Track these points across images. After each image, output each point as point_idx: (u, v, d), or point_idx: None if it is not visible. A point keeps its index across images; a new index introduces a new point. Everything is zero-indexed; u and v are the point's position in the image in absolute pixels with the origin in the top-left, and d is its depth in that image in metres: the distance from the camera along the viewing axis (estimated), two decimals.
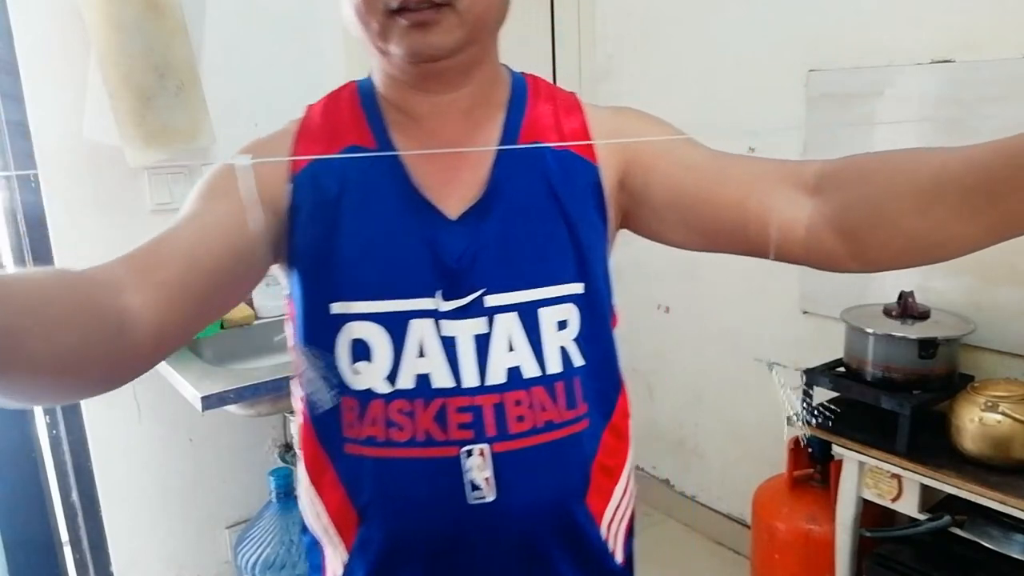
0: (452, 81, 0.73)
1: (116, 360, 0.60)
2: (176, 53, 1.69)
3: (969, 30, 1.62)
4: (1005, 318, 1.64)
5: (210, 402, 1.48)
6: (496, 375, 0.74)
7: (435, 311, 0.73)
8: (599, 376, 0.80)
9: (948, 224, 0.59)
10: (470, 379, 0.73)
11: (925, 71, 1.70)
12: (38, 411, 1.75)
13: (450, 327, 0.73)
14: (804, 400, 1.75)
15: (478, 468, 0.73)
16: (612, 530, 0.83)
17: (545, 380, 0.75)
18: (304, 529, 0.85)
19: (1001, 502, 1.38)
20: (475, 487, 0.73)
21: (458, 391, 0.73)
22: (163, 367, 1.65)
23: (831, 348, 1.83)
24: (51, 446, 1.78)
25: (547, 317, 0.75)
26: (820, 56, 1.91)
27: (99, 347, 0.57)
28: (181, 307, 0.65)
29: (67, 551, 1.84)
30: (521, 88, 0.80)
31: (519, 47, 2.35)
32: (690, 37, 2.23)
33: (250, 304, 1.93)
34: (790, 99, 1.98)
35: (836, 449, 1.67)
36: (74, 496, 1.80)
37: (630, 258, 2.59)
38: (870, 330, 1.62)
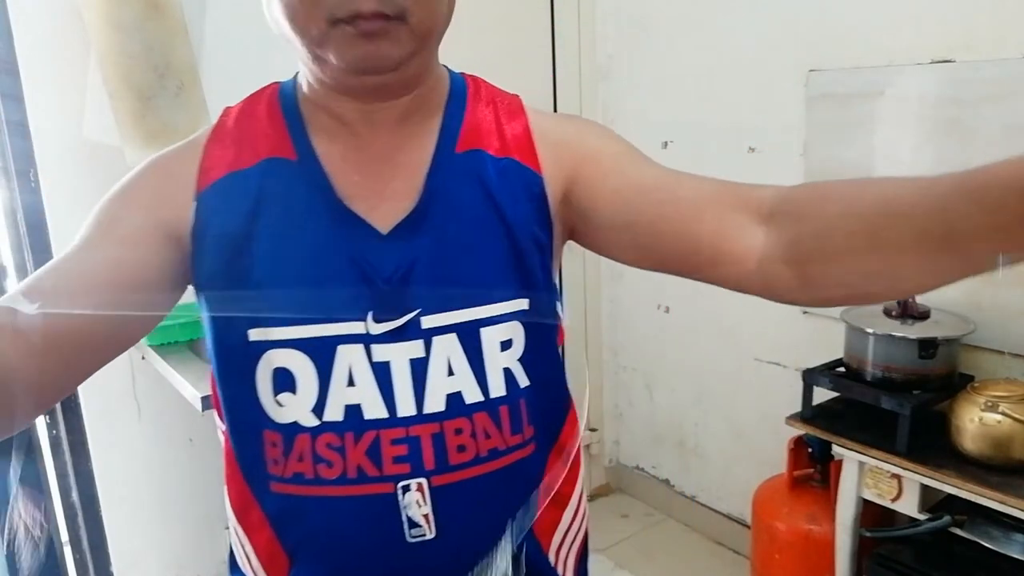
0: (392, 92, 0.68)
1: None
2: (176, 53, 1.69)
3: (969, 30, 1.62)
4: (1005, 318, 1.64)
5: (210, 402, 1.48)
6: (434, 402, 0.68)
7: (365, 335, 0.67)
8: (545, 397, 0.75)
9: (902, 263, 0.55)
10: (405, 408, 0.67)
11: (925, 71, 1.70)
12: None
13: (383, 352, 0.67)
14: None
15: (416, 504, 0.67)
16: (561, 556, 0.79)
17: (488, 405, 0.70)
18: (233, 567, 0.79)
19: (1001, 502, 1.38)
20: (413, 524, 0.68)
21: (392, 421, 0.67)
22: (163, 367, 1.65)
23: (831, 348, 1.83)
24: (51, 446, 1.77)
25: (490, 337, 0.69)
26: (820, 56, 1.91)
27: None
28: (61, 358, 0.61)
29: (67, 551, 1.84)
30: (460, 91, 0.75)
31: (519, 47, 2.35)
32: (690, 37, 2.23)
33: None
34: (790, 99, 1.98)
35: (836, 449, 1.67)
36: (74, 496, 1.80)
37: None
38: (870, 330, 1.62)
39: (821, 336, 2.01)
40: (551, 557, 0.77)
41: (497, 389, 0.70)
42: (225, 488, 0.76)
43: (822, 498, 1.80)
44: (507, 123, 0.74)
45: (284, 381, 0.68)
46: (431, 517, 0.68)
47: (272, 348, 0.67)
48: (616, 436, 2.79)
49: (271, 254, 0.67)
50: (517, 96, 0.77)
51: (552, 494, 0.76)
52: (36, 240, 1.66)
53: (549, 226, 0.73)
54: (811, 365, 1.80)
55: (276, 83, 0.76)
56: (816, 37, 1.92)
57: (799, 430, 1.75)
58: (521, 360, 0.72)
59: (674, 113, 2.30)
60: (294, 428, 0.68)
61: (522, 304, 0.71)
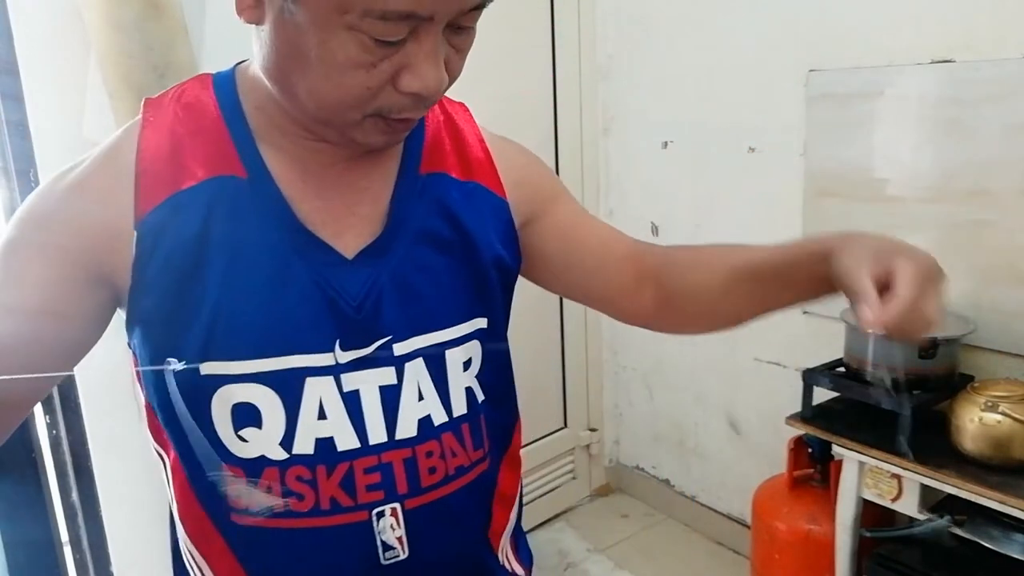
0: None
1: None
2: (176, 53, 1.69)
3: (969, 30, 1.62)
4: (1005, 318, 1.64)
5: None
6: (406, 428, 0.67)
7: (335, 366, 0.64)
8: (500, 409, 0.77)
9: (741, 305, 0.76)
10: (376, 435, 0.66)
11: (925, 71, 1.70)
12: (38, 411, 1.75)
13: (352, 380, 0.65)
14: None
15: (391, 529, 0.67)
16: (505, 552, 0.81)
17: (452, 425, 0.70)
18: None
19: (1001, 502, 1.38)
20: (388, 547, 0.67)
21: (364, 451, 0.65)
22: None
23: (831, 348, 1.83)
24: (51, 446, 1.78)
25: (453, 358, 0.70)
26: (820, 56, 1.91)
27: None
28: None
29: (67, 551, 1.84)
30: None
31: (519, 47, 2.35)
32: (690, 37, 2.23)
33: None
34: (790, 99, 1.98)
35: (836, 449, 1.67)
36: (74, 496, 1.80)
37: None
38: (870, 330, 1.62)
39: (821, 336, 2.01)
40: (500, 556, 0.79)
41: (459, 408, 0.71)
42: (175, 514, 0.71)
43: (822, 498, 1.80)
44: (465, 143, 0.74)
45: (247, 416, 0.63)
46: (404, 539, 0.68)
47: (230, 383, 0.62)
48: (616, 436, 2.79)
49: (224, 282, 0.61)
50: (462, 104, 0.79)
51: (502, 501, 0.78)
52: None
53: (516, 248, 0.77)
54: (811, 365, 1.80)
55: (207, 75, 0.68)
56: (816, 37, 1.92)
57: (799, 430, 1.75)
58: (478, 377, 0.73)
59: (674, 113, 2.30)
60: (261, 462, 0.65)
61: (481, 323, 0.72)
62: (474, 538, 0.75)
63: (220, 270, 0.61)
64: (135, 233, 0.61)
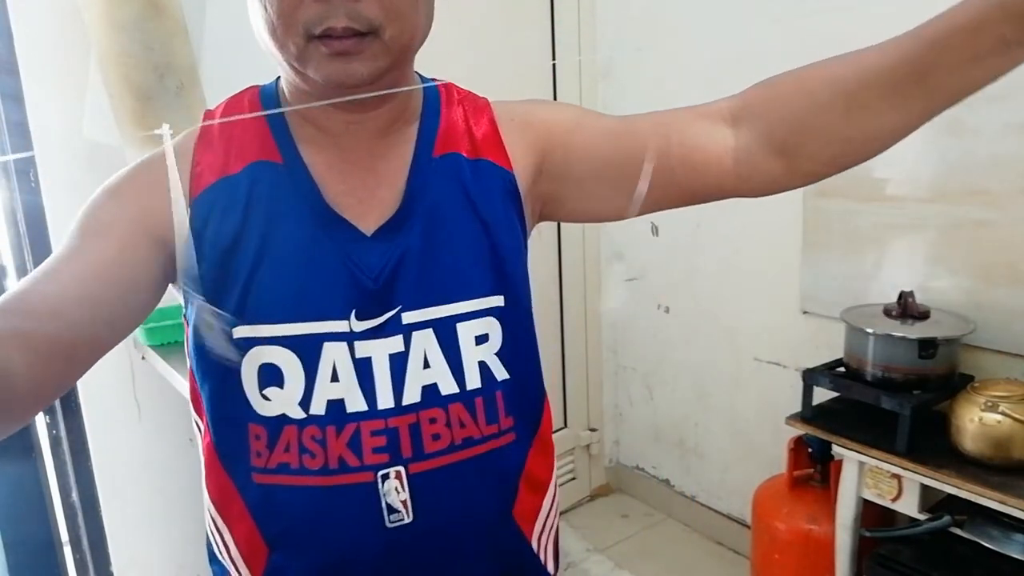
0: (370, 105, 0.70)
1: None
2: (176, 53, 1.69)
3: None
4: (1005, 318, 1.64)
5: None
6: (411, 394, 0.71)
7: (349, 333, 0.70)
8: (523, 389, 0.78)
9: (879, 119, 0.63)
10: (385, 400, 0.71)
11: None
12: None
13: (365, 348, 0.70)
14: None
15: (395, 492, 0.71)
16: (543, 542, 0.82)
17: (464, 396, 0.73)
18: (212, 558, 0.81)
19: (1001, 502, 1.38)
20: (393, 510, 0.71)
21: (372, 414, 0.70)
22: (163, 367, 1.65)
23: (831, 348, 1.83)
24: (51, 446, 1.78)
25: (465, 332, 0.73)
26: (820, 56, 1.91)
27: None
28: (51, 363, 0.61)
29: (67, 551, 1.84)
30: (434, 98, 0.78)
31: (519, 47, 2.35)
32: (690, 37, 2.23)
33: None
34: None
35: (836, 449, 1.67)
36: (74, 496, 1.80)
37: (630, 258, 2.59)
38: (870, 330, 1.62)
39: (821, 336, 2.01)
40: (534, 544, 0.80)
41: (473, 381, 0.74)
42: (203, 482, 0.77)
43: (822, 498, 1.80)
44: (475, 123, 0.77)
45: (271, 376, 0.70)
46: (409, 503, 0.71)
47: (259, 345, 0.69)
48: (616, 436, 2.79)
49: (260, 254, 0.69)
50: (485, 99, 0.81)
51: (531, 483, 0.79)
52: (36, 240, 1.67)
53: (522, 220, 0.77)
54: (811, 365, 1.80)
55: (256, 86, 0.77)
56: (816, 37, 1.92)
57: (799, 430, 1.75)
58: (499, 354, 0.75)
59: None
60: (281, 420, 0.70)
61: (497, 301, 0.75)
62: (491, 512, 0.76)
63: (256, 244, 0.69)
64: (188, 210, 0.70)
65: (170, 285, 0.74)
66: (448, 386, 0.72)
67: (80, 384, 1.74)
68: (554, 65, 2.44)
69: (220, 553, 0.78)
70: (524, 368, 0.78)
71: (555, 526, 0.85)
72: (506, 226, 0.75)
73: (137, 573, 1.93)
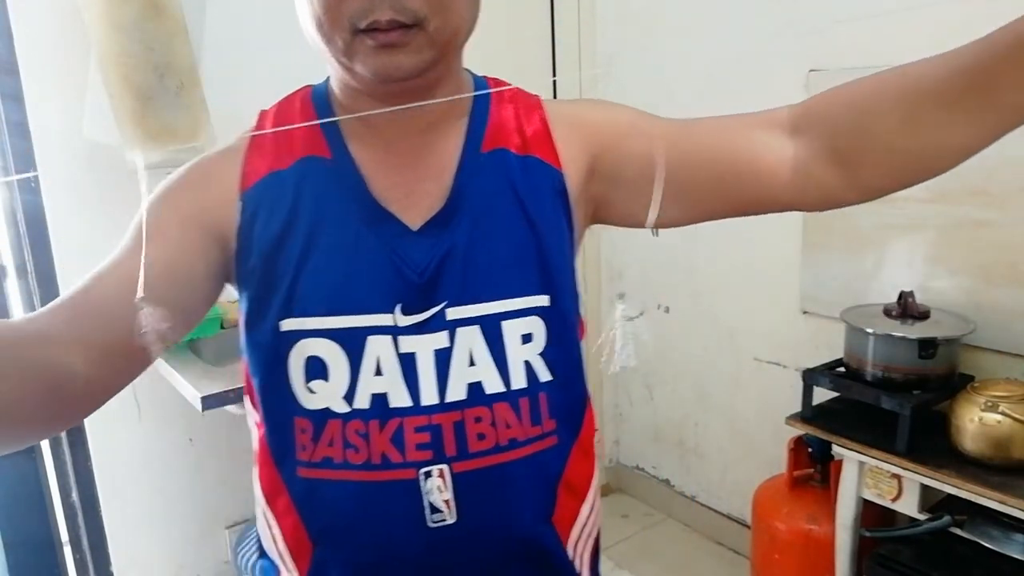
0: (417, 97, 0.70)
1: (53, 413, 0.60)
2: (176, 53, 1.69)
3: (969, 29, 1.62)
4: (1005, 318, 1.64)
5: (210, 402, 1.48)
6: (456, 391, 0.70)
7: (393, 327, 0.69)
8: (566, 392, 0.77)
9: (939, 132, 0.60)
10: (429, 397, 0.70)
11: None
12: None
13: (409, 343, 0.70)
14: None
15: (438, 490, 0.70)
16: (579, 550, 0.80)
17: (509, 396, 0.72)
18: (261, 553, 0.81)
19: (1001, 502, 1.38)
20: (435, 510, 0.70)
21: (416, 410, 0.70)
22: (163, 367, 1.65)
23: (831, 348, 1.83)
24: (51, 446, 1.77)
25: (511, 330, 0.72)
26: (820, 56, 1.91)
27: (35, 402, 0.57)
28: (111, 362, 0.63)
29: (67, 551, 1.84)
30: (484, 95, 0.77)
31: (519, 47, 2.35)
32: (690, 37, 2.23)
33: None
34: (790, 99, 1.97)
35: (836, 449, 1.67)
36: (74, 496, 1.80)
37: (630, 258, 2.59)
38: (870, 330, 1.62)
39: (821, 336, 2.01)
40: (569, 550, 0.79)
41: (518, 381, 0.72)
42: (256, 475, 0.78)
43: (822, 498, 1.80)
44: (526, 121, 0.76)
45: (316, 369, 0.70)
46: (452, 503, 0.70)
47: (305, 337, 0.70)
48: (616, 436, 2.79)
49: (307, 248, 0.70)
50: (537, 96, 0.79)
51: (571, 489, 0.77)
52: (36, 240, 1.66)
53: (570, 221, 0.75)
54: (811, 365, 1.80)
55: (308, 86, 0.78)
56: (816, 37, 1.92)
57: (799, 430, 1.75)
58: (542, 355, 0.73)
59: (674, 113, 2.29)
60: (326, 414, 0.70)
61: (543, 300, 0.73)
62: (532, 519, 0.75)
63: (304, 238, 0.70)
64: (239, 204, 0.71)
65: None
66: (494, 384, 0.71)
67: None
68: (554, 65, 2.44)
69: (269, 547, 0.78)
70: (568, 371, 0.76)
71: (594, 535, 0.83)
72: (553, 225, 0.74)
73: (137, 573, 1.93)
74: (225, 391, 1.50)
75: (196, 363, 1.68)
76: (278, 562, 0.77)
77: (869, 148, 0.64)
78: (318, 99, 0.75)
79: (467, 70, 0.78)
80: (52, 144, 1.67)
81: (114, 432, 1.84)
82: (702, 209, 0.75)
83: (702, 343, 2.40)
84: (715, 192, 0.73)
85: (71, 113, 1.67)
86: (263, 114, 0.77)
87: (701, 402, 2.45)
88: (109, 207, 1.75)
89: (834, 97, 0.68)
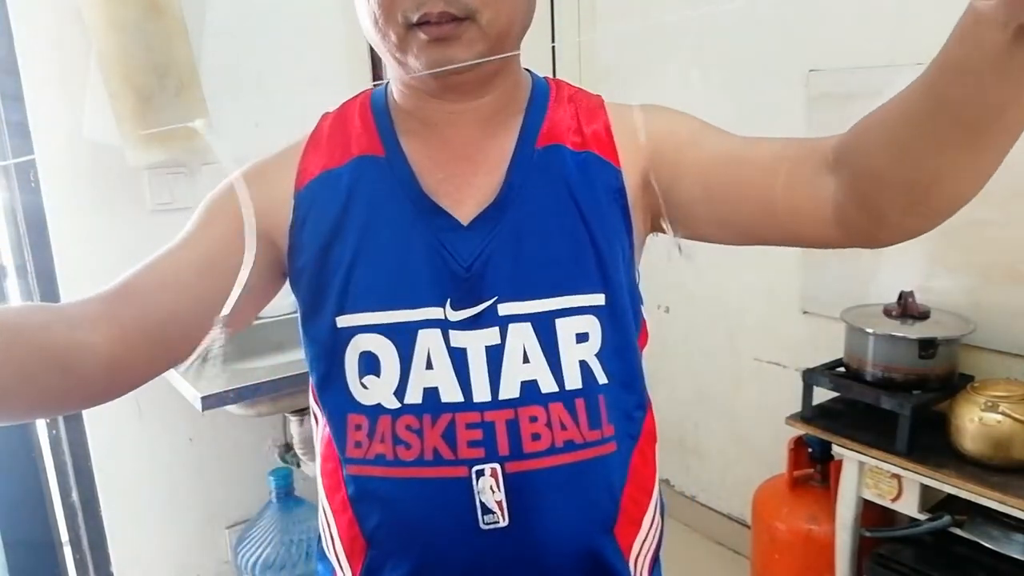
0: (472, 92, 0.71)
1: (67, 391, 0.63)
2: (176, 53, 1.69)
3: None
4: (1005, 318, 1.64)
5: (210, 402, 1.48)
6: (509, 389, 0.69)
7: (444, 321, 0.69)
8: (625, 396, 0.75)
9: (931, 159, 0.55)
10: (481, 393, 0.69)
11: None
12: None
13: (460, 338, 0.69)
14: None
15: (490, 490, 0.68)
16: (639, 565, 0.77)
17: (564, 396, 0.70)
18: (321, 556, 0.81)
19: (1001, 502, 1.38)
20: (487, 510, 0.68)
21: (468, 406, 0.69)
22: None
23: (831, 348, 1.83)
24: (51, 446, 1.78)
25: (565, 329, 0.70)
26: (820, 56, 1.91)
27: (45, 380, 0.60)
28: (139, 346, 0.66)
29: (67, 551, 1.84)
30: (543, 93, 0.77)
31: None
32: (690, 37, 2.23)
33: None
34: (790, 99, 1.98)
35: (836, 449, 1.67)
36: (74, 496, 1.80)
37: None
38: (870, 330, 1.62)
39: (821, 336, 2.01)
40: (631, 565, 0.76)
41: (573, 381, 0.70)
42: (318, 471, 0.79)
43: (822, 498, 1.80)
44: (586, 119, 0.75)
45: (369, 364, 0.70)
46: (504, 505, 0.68)
47: (359, 333, 0.70)
48: None
49: (359, 244, 0.71)
50: (599, 96, 0.78)
51: (633, 499, 0.76)
52: (36, 240, 1.67)
53: (629, 220, 0.73)
54: (811, 365, 1.80)
55: (369, 89, 0.79)
56: (816, 37, 1.92)
57: (799, 430, 1.75)
58: (599, 356, 0.71)
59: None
60: (377, 410, 0.70)
61: (598, 299, 0.71)
62: (593, 528, 0.72)
63: (357, 234, 0.71)
64: (292, 202, 0.72)
65: None
66: (548, 384, 0.70)
67: None
68: (554, 65, 2.44)
69: (327, 546, 0.78)
70: (626, 375, 0.74)
71: (653, 550, 0.80)
72: (609, 223, 0.72)
73: (137, 573, 1.93)
74: (225, 391, 1.50)
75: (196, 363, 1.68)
76: (334, 563, 0.77)
77: (881, 188, 0.60)
78: (376, 101, 0.76)
79: (528, 70, 0.78)
80: (52, 144, 1.67)
81: (114, 432, 1.84)
82: (751, 238, 0.72)
83: (702, 343, 2.40)
84: (761, 226, 0.70)
85: (71, 113, 1.67)
86: (325, 116, 0.78)
87: (701, 402, 2.45)
88: (109, 207, 1.75)
89: (856, 131, 0.64)
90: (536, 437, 0.69)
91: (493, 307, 0.69)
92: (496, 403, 0.69)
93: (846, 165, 0.63)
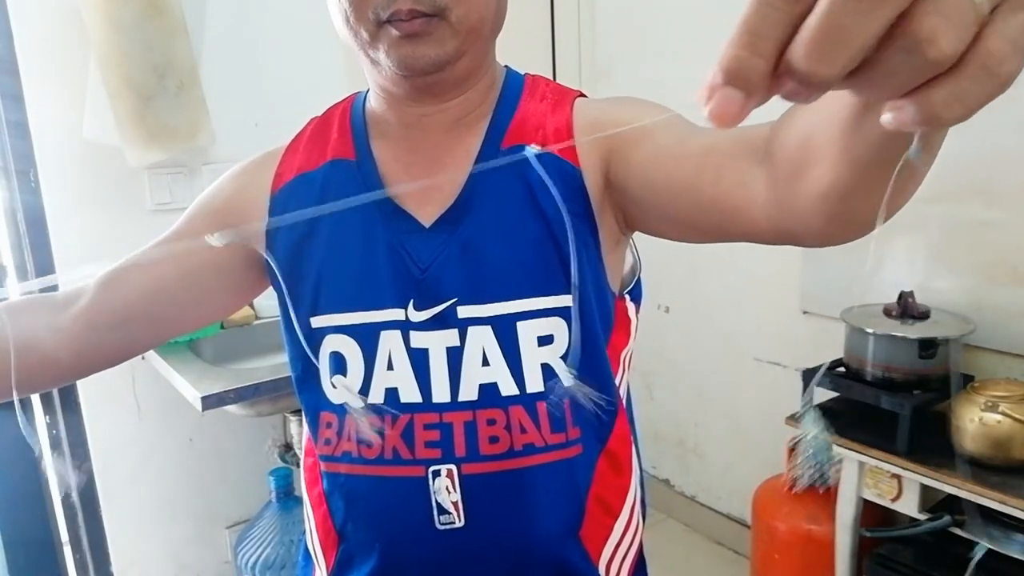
0: (443, 93, 0.70)
1: (25, 375, 0.69)
2: (176, 53, 1.69)
3: None
4: (1005, 318, 1.64)
5: (210, 402, 1.48)
6: (468, 391, 0.69)
7: (405, 322, 0.70)
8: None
9: (841, 169, 0.50)
10: (440, 394, 0.69)
11: None
12: (38, 411, 1.75)
13: (421, 339, 0.70)
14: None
15: (446, 491, 0.69)
16: (613, 568, 0.76)
17: (525, 399, 0.69)
18: (303, 548, 0.83)
19: (1001, 502, 1.38)
20: (443, 511, 0.69)
21: (427, 407, 0.69)
22: (163, 367, 1.65)
23: (831, 348, 1.83)
24: (51, 446, 1.78)
25: (526, 331, 0.69)
26: None
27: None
28: (93, 330, 0.74)
29: (67, 551, 1.84)
30: (515, 91, 0.75)
31: (519, 47, 2.35)
32: (690, 37, 2.23)
33: (250, 304, 1.93)
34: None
35: (836, 449, 1.67)
36: (74, 496, 1.80)
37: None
38: (870, 330, 1.62)
39: (821, 336, 2.01)
40: (601, 569, 0.75)
41: (535, 384, 0.70)
42: (303, 472, 0.81)
43: (822, 498, 1.80)
44: (552, 116, 0.73)
45: (338, 364, 0.72)
46: (460, 506, 0.69)
47: (329, 334, 0.73)
48: None
49: (329, 246, 0.73)
50: (576, 92, 0.76)
51: (601, 502, 0.74)
52: (36, 240, 1.67)
53: (592, 221, 0.70)
54: (811, 365, 1.80)
55: (355, 93, 0.81)
56: None
57: (799, 430, 1.75)
58: (564, 358, 0.70)
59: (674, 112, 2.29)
60: (345, 408, 0.72)
61: (563, 300, 0.69)
62: (554, 531, 0.71)
63: (327, 236, 0.73)
64: (269, 203, 0.75)
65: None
66: (508, 387, 0.69)
67: (80, 384, 1.74)
68: (554, 65, 2.44)
69: (308, 539, 0.81)
70: (593, 376, 0.71)
71: (632, 555, 0.79)
72: (572, 223, 0.69)
73: (137, 573, 1.93)
74: (225, 391, 1.50)
75: (196, 363, 1.68)
76: (312, 555, 0.80)
77: (801, 195, 0.52)
78: (356, 104, 0.78)
79: (506, 67, 0.78)
80: (52, 144, 1.67)
81: (114, 432, 1.84)
82: (700, 236, 0.68)
83: (702, 343, 2.40)
84: (704, 225, 0.64)
85: (71, 113, 1.67)
86: (310, 121, 0.80)
87: (701, 402, 2.45)
88: (109, 207, 1.75)
89: (778, 129, 0.55)
90: (494, 440, 0.69)
91: (452, 309, 0.69)
92: (455, 404, 0.70)
93: (771, 163, 0.55)
